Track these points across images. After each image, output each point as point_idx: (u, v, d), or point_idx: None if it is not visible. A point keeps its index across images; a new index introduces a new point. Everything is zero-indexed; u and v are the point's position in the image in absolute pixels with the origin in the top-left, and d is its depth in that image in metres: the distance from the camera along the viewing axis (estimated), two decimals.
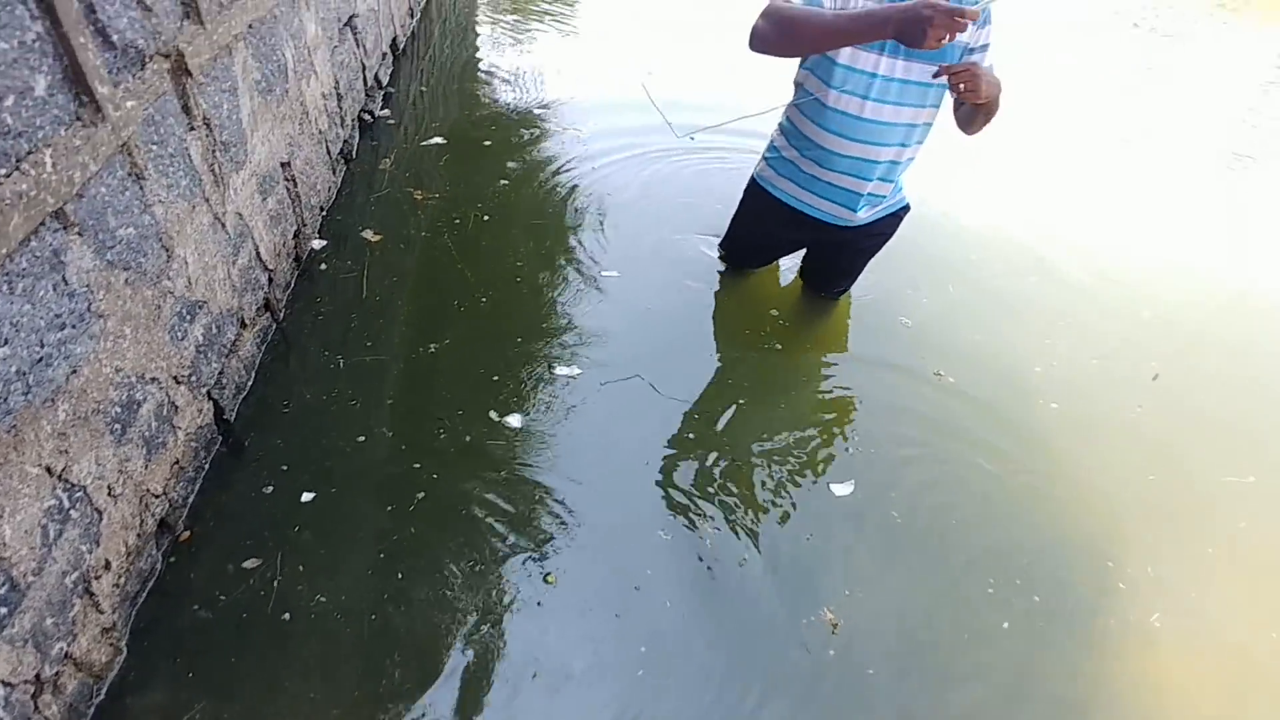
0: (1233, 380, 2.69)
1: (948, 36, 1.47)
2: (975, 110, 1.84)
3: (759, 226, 2.33)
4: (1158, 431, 2.37)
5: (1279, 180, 4.67)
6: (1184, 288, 3.24)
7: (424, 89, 3.98)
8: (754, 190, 2.25)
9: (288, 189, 2.26)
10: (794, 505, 1.95)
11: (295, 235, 2.32)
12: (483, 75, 4.30)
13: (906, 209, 2.22)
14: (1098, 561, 1.91)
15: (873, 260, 2.48)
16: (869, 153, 1.94)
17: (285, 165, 2.23)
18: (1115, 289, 3.09)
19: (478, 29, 5.08)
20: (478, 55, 4.61)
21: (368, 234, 2.64)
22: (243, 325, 1.90)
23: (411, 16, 4.52)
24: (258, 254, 1.99)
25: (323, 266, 2.47)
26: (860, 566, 1.85)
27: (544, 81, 4.21)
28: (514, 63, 4.46)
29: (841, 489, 2.02)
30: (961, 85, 1.66)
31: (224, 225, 1.77)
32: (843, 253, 2.34)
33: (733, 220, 2.41)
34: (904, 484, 2.05)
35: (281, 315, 2.18)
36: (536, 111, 3.82)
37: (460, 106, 3.85)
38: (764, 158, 2.19)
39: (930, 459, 2.14)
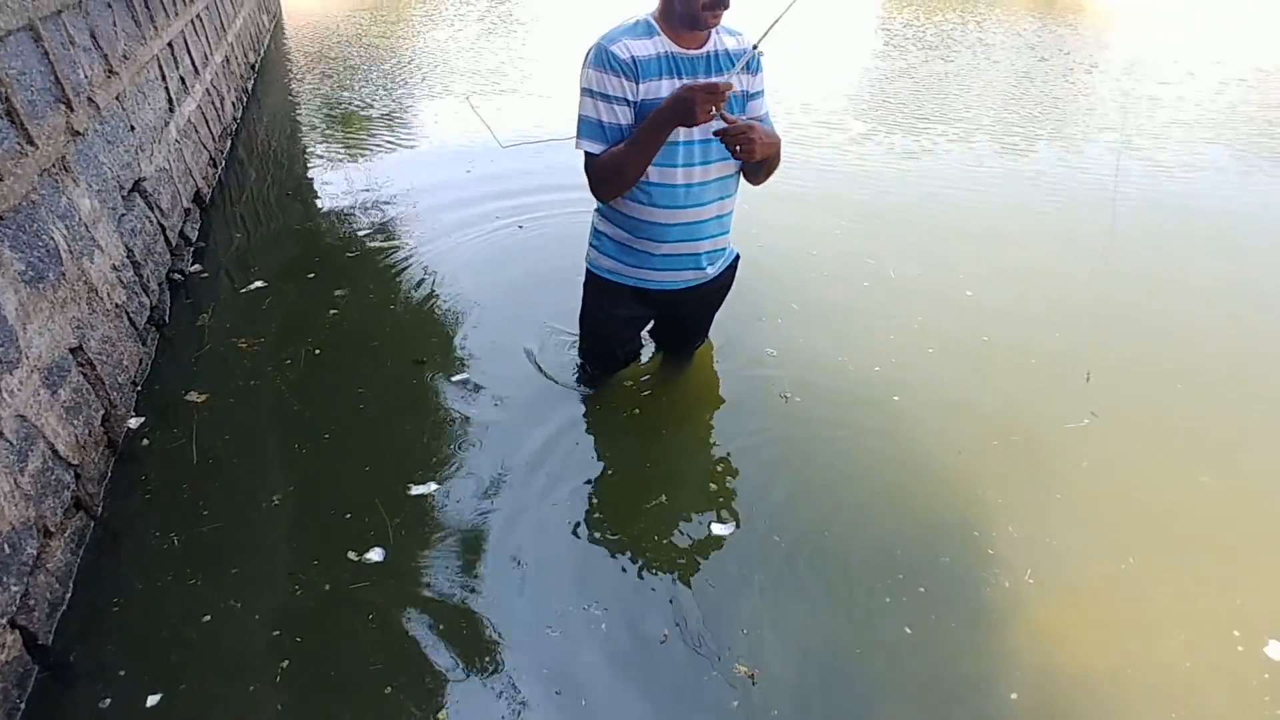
0: (1055, 332, 2.95)
1: (713, 108, 1.64)
2: (758, 164, 1.93)
3: (610, 315, 2.28)
4: (995, 399, 2.54)
5: (1053, 158, 5.26)
6: (994, 260, 3.56)
7: (239, 235, 3.87)
8: (595, 281, 2.21)
9: (84, 374, 2.11)
10: (681, 559, 1.94)
11: (104, 420, 2.16)
12: (303, 210, 4.23)
13: (738, 257, 2.28)
14: (965, 535, 2.00)
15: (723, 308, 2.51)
16: (697, 214, 1.99)
17: (76, 350, 2.09)
18: (937, 277, 3.35)
19: (305, 163, 5.00)
20: (298, 191, 4.54)
21: (192, 396, 2.50)
22: (46, 535, 1.72)
23: (215, 166, 4.43)
24: (54, 453, 1.83)
25: (145, 442, 2.30)
26: (758, 603, 1.84)
27: (366, 204, 4.20)
28: (335, 191, 4.43)
29: (722, 529, 2.03)
30: (738, 146, 1.73)
31: (0, 434, 1.62)
32: (693, 312, 2.36)
33: (582, 319, 2.36)
34: (776, 509, 2.10)
35: (100, 509, 2.00)
36: (361, 234, 3.79)
37: (281, 245, 3.76)
38: (593, 246, 2.16)
39: (794, 479, 2.21)
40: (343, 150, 5.14)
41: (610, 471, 2.24)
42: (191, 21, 4.72)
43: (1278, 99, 6.81)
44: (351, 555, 1.90)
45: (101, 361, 2.22)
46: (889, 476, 2.20)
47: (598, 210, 2.12)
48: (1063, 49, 8.94)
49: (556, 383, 2.59)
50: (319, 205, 4.24)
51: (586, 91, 1.80)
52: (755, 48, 1.73)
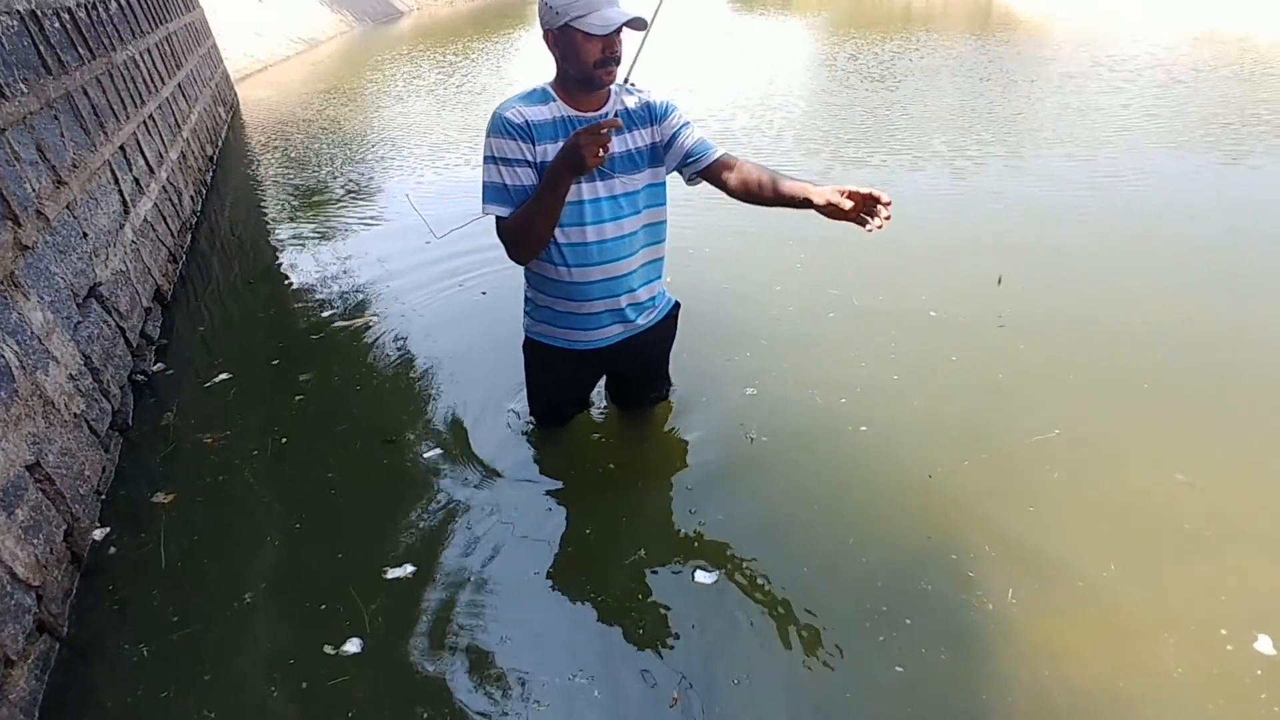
0: (1020, 344, 2.98)
1: (602, 150, 1.63)
2: (783, 200, 1.85)
3: (551, 377, 2.30)
4: (963, 419, 2.56)
5: (1005, 175, 5.40)
6: (956, 280, 3.61)
7: (203, 327, 3.86)
8: (530, 347, 2.23)
9: (43, 490, 2.07)
10: (666, 613, 1.92)
11: (67, 535, 2.11)
12: (268, 296, 4.21)
13: (677, 305, 2.28)
14: (943, 559, 1.99)
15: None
16: (614, 270, 1.98)
17: (33, 467, 2.06)
18: (901, 302, 3.39)
19: (268, 249, 5.01)
20: (262, 277, 4.54)
21: (159, 497, 2.46)
22: (8, 664, 1.67)
23: (175, 261, 4.43)
24: (13, 577, 1.78)
25: (111, 550, 2.26)
26: (747, 653, 1.80)
27: (329, 283, 4.21)
28: (299, 274, 4.43)
29: (706, 577, 2.01)
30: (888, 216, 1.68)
31: None
32: (637, 364, 2.33)
33: (527, 383, 2.38)
34: (758, 551, 2.09)
35: (65, 629, 1.94)
36: (326, 314, 3.79)
37: (246, 334, 3.76)
38: (526, 313, 2.18)
39: (770, 519, 2.21)
40: (304, 232, 5.17)
41: (588, 531, 2.22)
42: (144, 122, 4.77)
43: (1218, 95, 7.07)
44: (328, 649, 1.85)
45: (61, 475, 2.18)
46: (863, 508, 2.20)
47: (525, 277, 2.12)
48: (1002, 68, 9.25)
49: (528, 447, 2.58)
50: (283, 290, 4.24)
51: (488, 159, 1.81)
52: (627, 80, 1.74)
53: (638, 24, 1.68)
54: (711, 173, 1.95)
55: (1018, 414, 2.58)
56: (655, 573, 2.05)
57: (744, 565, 2.04)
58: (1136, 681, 1.67)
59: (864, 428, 2.51)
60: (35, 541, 1.94)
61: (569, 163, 1.67)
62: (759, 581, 1.99)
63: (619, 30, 1.69)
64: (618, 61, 1.74)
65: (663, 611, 1.93)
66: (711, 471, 2.42)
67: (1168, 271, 3.60)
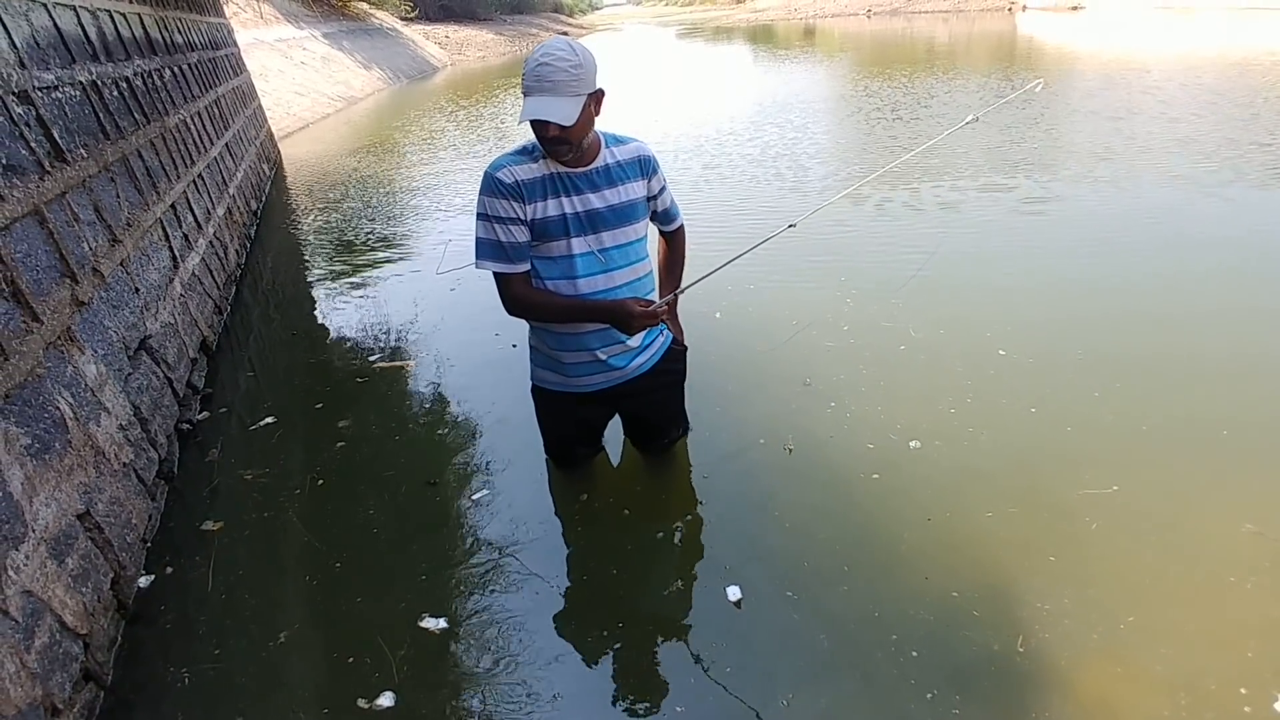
0: (1094, 392, 2.88)
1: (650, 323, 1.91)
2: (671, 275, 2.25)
3: (558, 420, 2.34)
4: (1012, 466, 2.50)
5: (1056, 202, 5.35)
6: (1017, 315, 3.56)
7: (249, 374, 3.96)
8: (537, 394, 2.28)
9: (92, 539, 2.12)
10: (707, 642, 1.91)
11: (114, 583, 2.16)
12: (310, 345, 4.29)
13: (674, 342, 2.27)
14: (942, 597, 1.97)
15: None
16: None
17: (84, 516, 2.11)
18: (962, 338, 3.35)
19: (311, 298, 5.15)
20: (305, 326, 4.65)
21: (209, 525, 2.55)
22: (54, 714, 1.69)
23: (221, 313, 4.58)
24: (62, 625, 1.82)
25: (169, 569, 2.37)
26: (791, 682, 1.78)
27: (372, 330, 4.29)
28: (341, 322, 4.53)
29: (735, 592, 2.05)
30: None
31: (6, 613, 1.62)
32: (647, 403, 2.32)
33: (539, 427, 2.42)
34: (790, 570, 2.11)
35: (109, 677, 1.97)
36: (370, 358, 3.88)
37: (288, 381, 3.84)
38: (530, 362, 2.22)
39: (796, 545, 2.22)
40: (344, 282, 5.30)
41: (616, 570, 2.21)
42: (193, 181, 4.98)
43: (1273, 124, 6.99)
44: (361, 702, 1.84)
45: (109, 523, 2.24)
46: (863, 546, 2.20)
47: (529, 326, 2.15)
48: (1034, 100, 9.24)
49: (560, 491, 2.58)
50: (325, 338, 4.34)
51: (482, 216, 1.85)
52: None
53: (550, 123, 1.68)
54: (664, 236, 2.22)
55: (1075, 464, 2.47)
56: (687, 601, 2.07)
57: (780, 587, 2.05)
58: None
59: (876, 475, 2.48)
60: (84, 590, 1.99)
61: (615, 321, 1.88)
62: (788, 593, 2.02)
63: (540, 121, 1.69)
64: (555, 143, 1.74)
65: (700, 641, 1.93)
66: (734, 495, 2.45)
67: (1240, 303, 3.50)
